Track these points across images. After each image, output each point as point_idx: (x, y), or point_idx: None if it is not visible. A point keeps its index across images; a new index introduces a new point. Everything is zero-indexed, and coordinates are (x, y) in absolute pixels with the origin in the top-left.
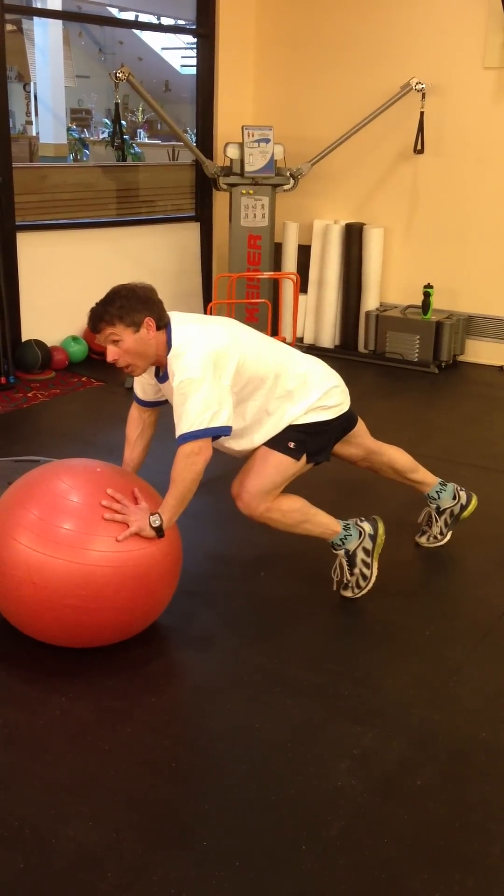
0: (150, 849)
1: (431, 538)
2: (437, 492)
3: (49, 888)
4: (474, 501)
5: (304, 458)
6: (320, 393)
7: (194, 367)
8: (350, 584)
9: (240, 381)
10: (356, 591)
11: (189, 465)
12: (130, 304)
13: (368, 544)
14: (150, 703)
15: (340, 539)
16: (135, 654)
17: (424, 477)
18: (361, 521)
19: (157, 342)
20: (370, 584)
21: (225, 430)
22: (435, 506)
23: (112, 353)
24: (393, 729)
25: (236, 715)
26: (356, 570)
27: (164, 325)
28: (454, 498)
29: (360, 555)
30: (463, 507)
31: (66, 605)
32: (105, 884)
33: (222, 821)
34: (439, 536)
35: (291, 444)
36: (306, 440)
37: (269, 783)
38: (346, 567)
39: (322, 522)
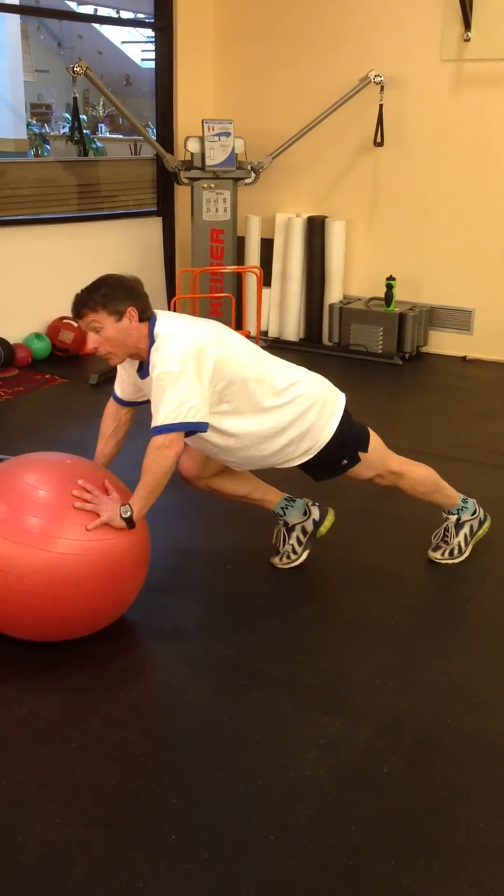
0: (118, 844)
1: (284, 557)
2: (282, 508)
3: (17, 886)
4: (331, 516)
5: (362, 453)
6: (319, 408)
7: (174, 361)
8: (443, 549)
9: (221, 380)
10: (446, 556)
11: (159, 458)
12: (115, 293)
13: (476, 525)
14: (118, 698)
15: (458, 509)
16: (101, 650)
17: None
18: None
19: (138, 334)
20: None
21: (201, 426)
22: (282, 522)
23: (92, 341)
24: (359, 717)
25: (204, 708)
26: (458, 539)
27: (146, 317)
28: (305, 514)
29: (465, 528)
30: (317, 524)
31: (33, 592)
32: (73, 880)
33: (190, 814)
34: (292, 555)
35: (345, 462)
36: (346, 444)
37: (237, 775)
38: (452, 531)
39: (448, 494)
